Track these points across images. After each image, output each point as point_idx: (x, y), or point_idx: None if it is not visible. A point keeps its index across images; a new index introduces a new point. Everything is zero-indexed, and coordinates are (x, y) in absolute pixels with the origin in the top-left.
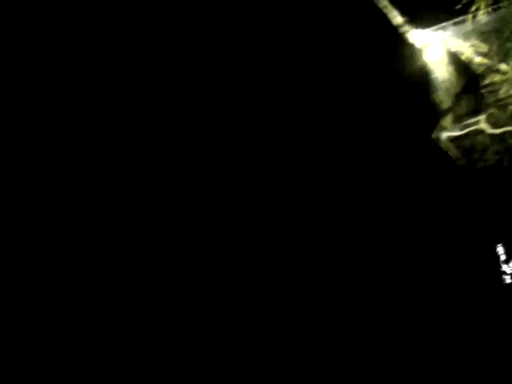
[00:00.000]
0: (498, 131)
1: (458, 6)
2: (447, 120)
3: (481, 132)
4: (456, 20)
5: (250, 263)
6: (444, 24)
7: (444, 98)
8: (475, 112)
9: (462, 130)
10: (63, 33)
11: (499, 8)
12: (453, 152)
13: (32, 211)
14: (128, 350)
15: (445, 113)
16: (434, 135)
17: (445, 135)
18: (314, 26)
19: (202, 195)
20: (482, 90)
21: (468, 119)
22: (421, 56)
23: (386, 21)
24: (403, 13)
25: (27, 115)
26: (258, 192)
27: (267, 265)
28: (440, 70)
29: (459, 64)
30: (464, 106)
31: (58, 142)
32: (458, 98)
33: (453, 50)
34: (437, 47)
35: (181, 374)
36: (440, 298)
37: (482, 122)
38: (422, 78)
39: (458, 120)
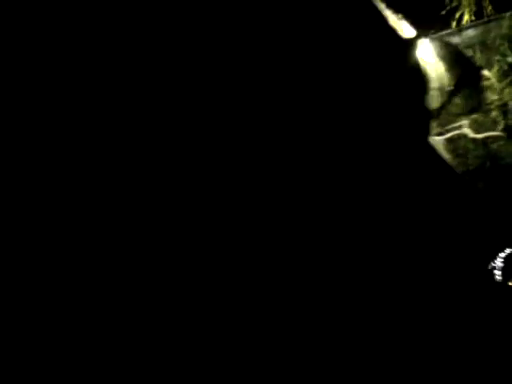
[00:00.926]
0: (480, 136)
1: (443, 12)
2: (432, 124)
3: (463, 136)
4: (441, 27)
5: (249, 263)
6: (431, 30)
7: (431, 102)
8: (458, 116)
9: (444, 134)
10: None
11: (482, 16)
12: (438, 155)
13: (32, 211)
14: (128, 350)
15: (430, 117)
16: (420, 138)
17: (430, 138)
18: (303, 20)
19: (201, 195)
20: (467, 95)
21: (451, 124)
22: (412, 57)
23: (380, 19)
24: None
25: (27, 115)
26: (258, 191)
27: (267, 264)
28: (428, 74)
29: (446, 68)
30: (447, 111)
31: (57, 142)
32: (442, 102)
33: (438, 55)
34: (426, 50)
35: (181, 374)
36: (425, 296)
37: (464, 127)
38: (411, 81)
39: (441, 125)
